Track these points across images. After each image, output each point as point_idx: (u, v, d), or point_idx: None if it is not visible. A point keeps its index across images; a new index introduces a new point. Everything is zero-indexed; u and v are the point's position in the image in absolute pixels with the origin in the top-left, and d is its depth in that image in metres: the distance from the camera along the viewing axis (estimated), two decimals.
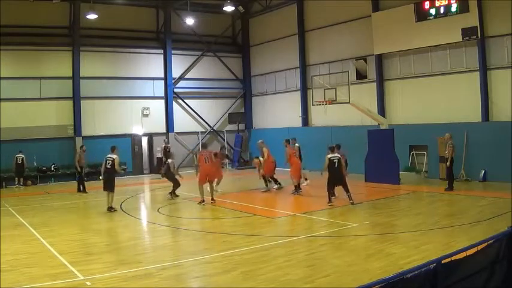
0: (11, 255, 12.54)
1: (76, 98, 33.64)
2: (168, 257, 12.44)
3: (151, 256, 12.73)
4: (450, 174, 21.85)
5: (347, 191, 19.14)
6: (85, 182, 26.82)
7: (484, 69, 25.09)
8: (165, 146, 34.86)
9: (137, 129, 36.24)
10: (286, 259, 11.67)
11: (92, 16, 32.35)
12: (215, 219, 17.65)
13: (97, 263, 11.78)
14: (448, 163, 21.65)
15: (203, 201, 20.46)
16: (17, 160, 29.30)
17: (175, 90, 38.06)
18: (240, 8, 37.52)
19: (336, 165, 19.04)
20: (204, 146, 24.15)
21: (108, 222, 17.65)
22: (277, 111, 38.79)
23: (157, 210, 19.79)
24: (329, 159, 19.16)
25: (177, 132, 37.82)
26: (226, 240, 14.00)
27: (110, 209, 19.58)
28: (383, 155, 25.32)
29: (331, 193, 19.19)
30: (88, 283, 10.26)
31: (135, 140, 36.18)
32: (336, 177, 19.12)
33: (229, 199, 21.62)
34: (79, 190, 26.27)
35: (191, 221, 17.88)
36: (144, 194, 26.67)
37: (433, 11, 26.66)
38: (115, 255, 12.60)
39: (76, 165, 26.76)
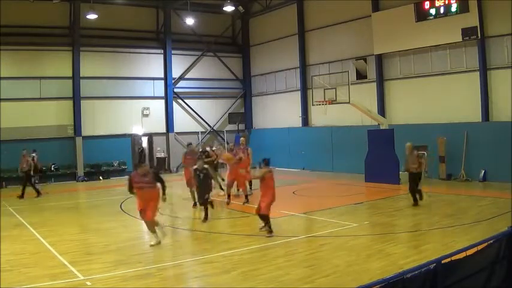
0: (11, 255, 12.56)
1: (76, 98, 33.64)
2: (167, 257, 12.47)
3: (151, 256, 12.72)
4: (415, 188, 18.76)
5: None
6: (35, 185, 25.57)
7: (484, 69, 25.09)
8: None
9: (137, 129, 36.24)
10: (286, 259, 11.68)
11: (91, 16, 32.35)
12: (215, 219, 17.59)
13: (97, 263, 11.81)
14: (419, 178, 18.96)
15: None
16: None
17: (175, 90, 38.07)
18: (240, 8, 37.50)
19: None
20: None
21: (108, 222, 17.63)
22: (277, 111, 38.78)
23: (157, 211, 19.74)
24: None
25: (177, 132, 37.82)
26: (226, 240, 14.00)
27: None
28: (383, 155, 25.31)
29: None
30: (88, 283, 10.27)
31: (135, 140, 36.15)
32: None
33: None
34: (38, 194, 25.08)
35: (191, 221, 17.87)
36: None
37: (433, 11, 26.66)
38: (115, 255, 12.58)
39: (19, 169, 25.82)
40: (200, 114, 39.18)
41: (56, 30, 33.51)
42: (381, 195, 21.70)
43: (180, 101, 38.58)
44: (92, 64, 34.59)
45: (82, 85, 33.84)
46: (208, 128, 39.55)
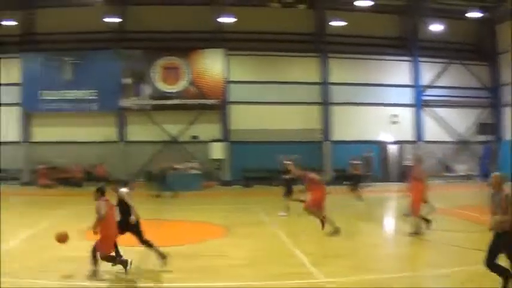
0: (252, 251, 13.22)
1: (325, 104, 35.42)
2: (406, 267, 12.21)
3: (389, 264, 12.38)
4: None
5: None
6: None
7: None
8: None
9: (385, 136, 36.59)
10: None
11: (337, 23, 33.60)
12: (448, 231, 16.39)
13: (334, 265, 11.70)
14: None
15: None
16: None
17: (423, 98, 37.68)
18: (486, 14, 35.73)
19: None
20: None
21: (352, 226, 17.56)
22: None
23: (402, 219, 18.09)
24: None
25: (425, 141, 37.34)
26: (468, 255, 13.05)
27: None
28: None
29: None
30: (328, 286, 10.33)
31: (382, 147, 36.65)
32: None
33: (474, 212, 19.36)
34: None
35: (436, 233, 15.78)
36: (390, 202, 26.80)
37: None
38: (351, 259, 12.49)
39: None
40: (448, 123, 38.26)
41: (300, 37, 35.46)
42: None
43: (427, 108, 38.04)
44: (340, 70, 35.94)
45: (332, 91, 35.55)
46: (457, 137, 38.42)
